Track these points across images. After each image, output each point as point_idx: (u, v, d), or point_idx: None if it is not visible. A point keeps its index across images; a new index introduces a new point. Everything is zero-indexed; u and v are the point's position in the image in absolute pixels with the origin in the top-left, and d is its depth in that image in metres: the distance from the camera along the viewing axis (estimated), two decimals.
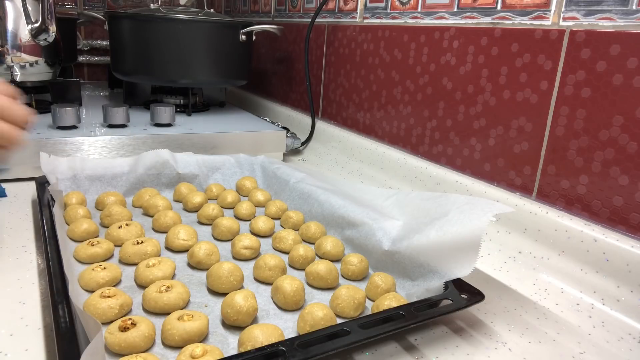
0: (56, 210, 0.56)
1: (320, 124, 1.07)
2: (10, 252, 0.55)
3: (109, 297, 0.43)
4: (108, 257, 0.54)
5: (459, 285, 0.47)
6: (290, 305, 0.46)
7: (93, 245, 0.53)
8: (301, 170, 0.77)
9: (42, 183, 0.67)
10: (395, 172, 0.84)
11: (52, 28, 0.90)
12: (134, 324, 0.40)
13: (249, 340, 0.39)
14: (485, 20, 0.68)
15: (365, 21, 0.93)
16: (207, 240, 0.59)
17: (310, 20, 1.03)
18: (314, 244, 0.61)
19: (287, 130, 1.00)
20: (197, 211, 0.68)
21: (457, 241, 0.47)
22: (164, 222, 0.62)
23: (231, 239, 0.60)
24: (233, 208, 0.71)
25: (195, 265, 0.53)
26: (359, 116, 0.97)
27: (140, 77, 1.06)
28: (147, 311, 0.45)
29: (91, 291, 0.47)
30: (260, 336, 0.39)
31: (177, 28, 0.98)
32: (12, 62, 0.92)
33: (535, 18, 0.61)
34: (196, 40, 1.00)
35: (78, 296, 0.45)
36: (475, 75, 0.70)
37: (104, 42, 1.53)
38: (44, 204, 0.60)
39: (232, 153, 0.85)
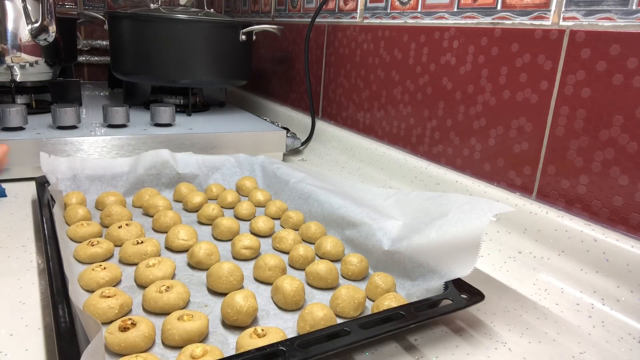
0: (56, 210, 0.56)
1: (320, 124, 1.07)
2: (10, 252, 0.55)
3: (109, 297, 0.43)
4: (108, 257, 0.54)
5: (459, 285, 0.47)
6: (290, 305, 0.46)
7: (93, 245, 0.53)
8: (301, 170, 0.77)
9: (42, 183, 0.67)
10: (395, 172, 0.84)
11: (52, 28, 0.90)
12: (134, 324, 0.40)
13: (248, 347, 0.39)
14: (485, 20, 0.68)
15: (365, 21, 0.93)
16: (207, 240, 0.59)
17: (310, 20, 1.03)
18: (314, 244, 0.61)
19: (287, 130, 1.00)
20: (197, 211, 0.68)
21: (457, 241, 0.47)
22: (164, 222, 0.62)
23: (231, 239, 0.60)
24: (233, 208, 0.71)
25: (195, 265, 0.53)
26: (359, 116, 0.97)
27: (140, 77, 1.06)
28: (147, 311, 0.45)
29: (91, 291, 0.47)
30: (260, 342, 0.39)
31: (177, 28, 0.98)
32: (12, 62, 0.92)
33: (535, 18, 0.61)
34: (196, 40, 1.00)
35: (78, 296, 0.45)
36: (475, 75, 0.70)
37: (104, 42, 1.53)
38: (44, 204, 0.60)
39: (232, 153, 0.85)
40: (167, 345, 0.40)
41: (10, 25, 0.90)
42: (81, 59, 1.51)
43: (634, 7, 0.52)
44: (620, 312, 0.49)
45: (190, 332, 0.40)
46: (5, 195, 0.70)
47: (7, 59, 0.91)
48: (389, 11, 0.86)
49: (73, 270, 0.49)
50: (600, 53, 0.55)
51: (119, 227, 0.58)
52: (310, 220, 0.65)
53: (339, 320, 0.44)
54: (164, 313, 0.44)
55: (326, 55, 1.06)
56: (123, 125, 0.89)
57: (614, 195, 0.54)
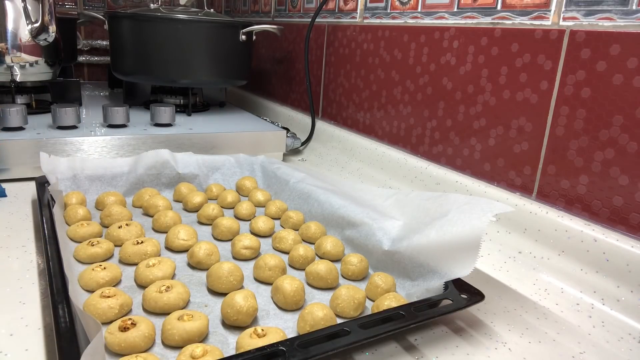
0: (56, 210, 0.56)
1: (320, 124, 1.07)
2: (10, 252, 0.55)
3: (109, 297, 0.43)
4: (108, 257, 0.54)
5: (459, 285, 0.47)
6: (290, 305, 0.46)
7: (93, 245, 0.53)
8: (301, 170, 0.77)
9: (42, 183, 0.67)
10: (395, 172, 0.84)
11: (52, 28, 0.90)
12: (134, 324, 0.40)
13: (248, 347, 0.39)
14: (485, 20, 0.68)
15: (365, 21, 0.93)
16: (207, 240, 0.59)
17: (310, 20, 1.03)
18: (314, 244, 0.61)
19: (287, 130, 1.00)
20: (197, 211, 0.68)
21: (457, 241, 0.47)
22: (164, 222, 0.62)
23: (231, 239, 0.60)
24: (233, 208, 0.71)
25: (195, 265, 0.53)
26: (359, 116, 0.97)
27: (140, 77, 1.06)
28: (147, 311, 0.45)
29: (91, 291, 0.47)
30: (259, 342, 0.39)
31: (177, 28, 0.98)
32: (12, 62, 0.92)
33: (535, 18, 0.61)
34: (196, 40, 1.00)
35: (78, 296, 0.45)
36: (475, 75, 0.70)
37: (104, 42, 1.53)
38: (44, 204, 0.60)
39: (232, 153, 0.85)
40: (167, 345, 0.40)
41: (10, 25, 0.90)
42: (81, 59, 1.51)
43: (634, 7, 0.52)
44: (620, 312, 0.49)
45: (190, 332, 0.40)
46: (5, 195, 0.70)
47: (7, 59, 0.91)
48: (389, 11, 0.86)
49: (73, 270, 0.49)
50: (600, 53, 0.55)
51: (119, 227, 0.58)
52: (310, 220, 0.65)
53: (339, 320, 0.44)
54: (164, 313, 0.44)
55: (326, 55, 1.06)
56: (123, 125, 0.89)
57: (614, 195, 0.54)
